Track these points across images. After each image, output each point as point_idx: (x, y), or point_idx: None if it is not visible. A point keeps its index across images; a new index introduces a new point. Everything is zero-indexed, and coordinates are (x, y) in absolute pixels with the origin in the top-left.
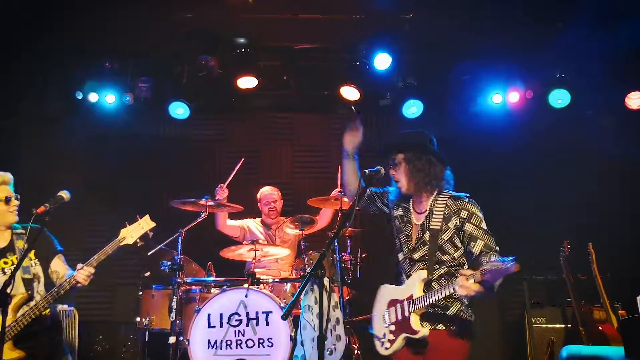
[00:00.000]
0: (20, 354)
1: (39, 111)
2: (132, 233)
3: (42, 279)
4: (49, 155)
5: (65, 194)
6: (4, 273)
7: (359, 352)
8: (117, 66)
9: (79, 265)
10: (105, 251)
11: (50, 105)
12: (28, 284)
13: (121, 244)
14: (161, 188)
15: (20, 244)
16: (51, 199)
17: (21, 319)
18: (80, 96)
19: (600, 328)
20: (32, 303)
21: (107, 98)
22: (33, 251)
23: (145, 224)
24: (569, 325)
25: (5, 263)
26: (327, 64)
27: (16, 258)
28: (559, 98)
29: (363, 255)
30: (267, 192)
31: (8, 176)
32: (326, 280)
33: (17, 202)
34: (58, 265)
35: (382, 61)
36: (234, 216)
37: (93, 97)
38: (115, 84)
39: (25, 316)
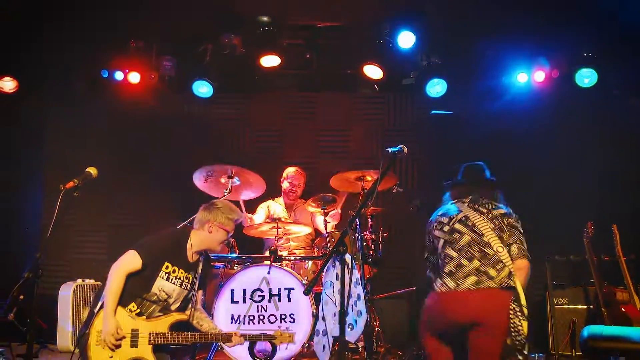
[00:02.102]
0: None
1: (64, 90)
2: None
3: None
4: (74, 133)
5: (93, 170)
6: (182, 286)
7: (380, 329)
8: (141, 45)
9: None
10: None
11: (75, 84)
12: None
13: None
14: (184, 166)
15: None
16: (79, 175)
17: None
18: (105, 74)
19: (622, 309)
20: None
21: (131, 77)
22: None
23: None
24: (592, 307)
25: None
26: (350, 42)
27: (191, 276)
28: (586, 77)
29: (384, 235)
30: (294, 174)
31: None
32: (348, 257)
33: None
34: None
35: (406, 39)
36: (255, 201)
37: (118, 76)
38: (140, 63)
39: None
